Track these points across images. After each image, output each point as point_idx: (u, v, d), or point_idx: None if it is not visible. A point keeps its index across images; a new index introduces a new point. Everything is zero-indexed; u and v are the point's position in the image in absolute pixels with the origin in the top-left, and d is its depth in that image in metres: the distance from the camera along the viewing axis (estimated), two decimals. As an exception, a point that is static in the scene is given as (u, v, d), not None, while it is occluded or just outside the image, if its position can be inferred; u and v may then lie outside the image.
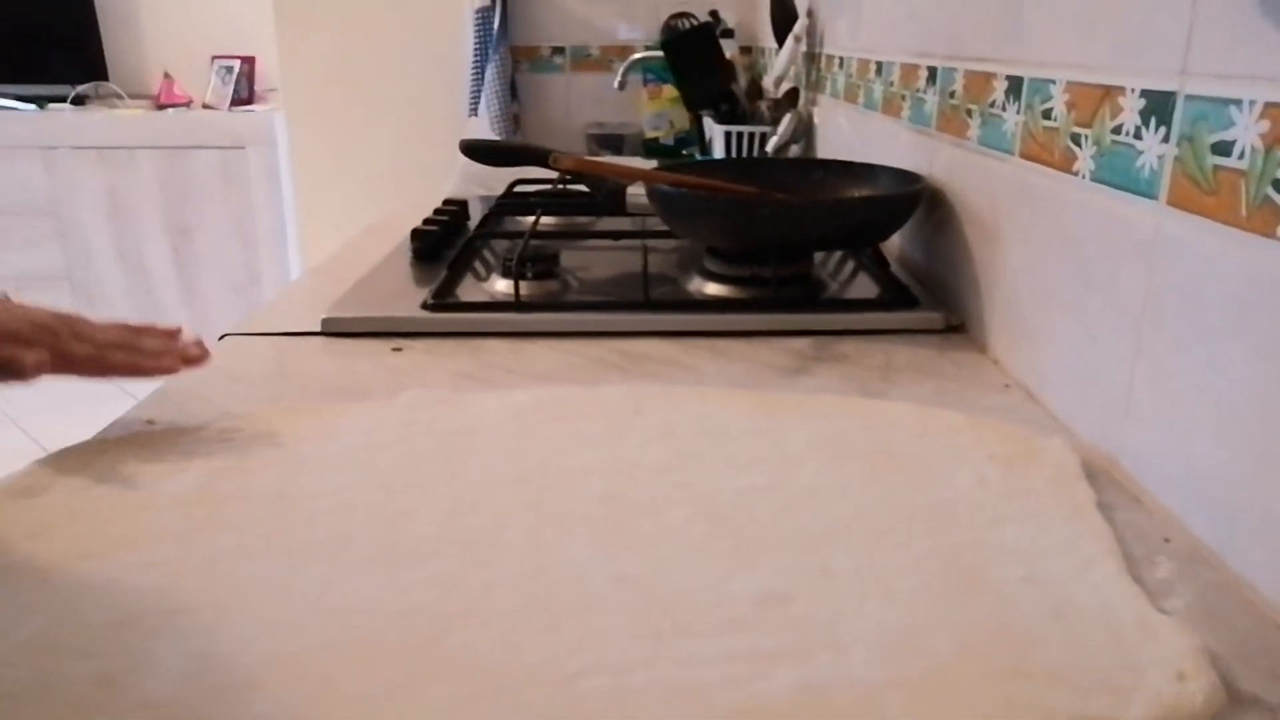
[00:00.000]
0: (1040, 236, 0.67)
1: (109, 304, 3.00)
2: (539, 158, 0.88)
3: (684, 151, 1.99)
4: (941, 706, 0.35)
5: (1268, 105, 0.43)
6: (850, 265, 0.96)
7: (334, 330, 0.81)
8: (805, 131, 1.47)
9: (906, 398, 0.66)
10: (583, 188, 1.11)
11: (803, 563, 0.45)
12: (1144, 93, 0.53)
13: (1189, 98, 0.49)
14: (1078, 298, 0.61)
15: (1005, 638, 0.40)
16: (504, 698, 0.36)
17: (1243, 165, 0.44)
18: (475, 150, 0.95)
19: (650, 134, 2.08)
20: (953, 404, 0.65)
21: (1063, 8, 0.64)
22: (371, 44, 2.52)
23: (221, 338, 0.81)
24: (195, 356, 0.65)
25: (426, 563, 0.45)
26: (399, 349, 0.77)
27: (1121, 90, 0.56)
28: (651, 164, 1.69)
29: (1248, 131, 0.44)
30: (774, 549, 0.46)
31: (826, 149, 1.40)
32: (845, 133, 1.28)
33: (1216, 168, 0.46)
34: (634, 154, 2.05)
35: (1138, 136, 0.54)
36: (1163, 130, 0.51)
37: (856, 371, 0.72)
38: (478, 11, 2.12)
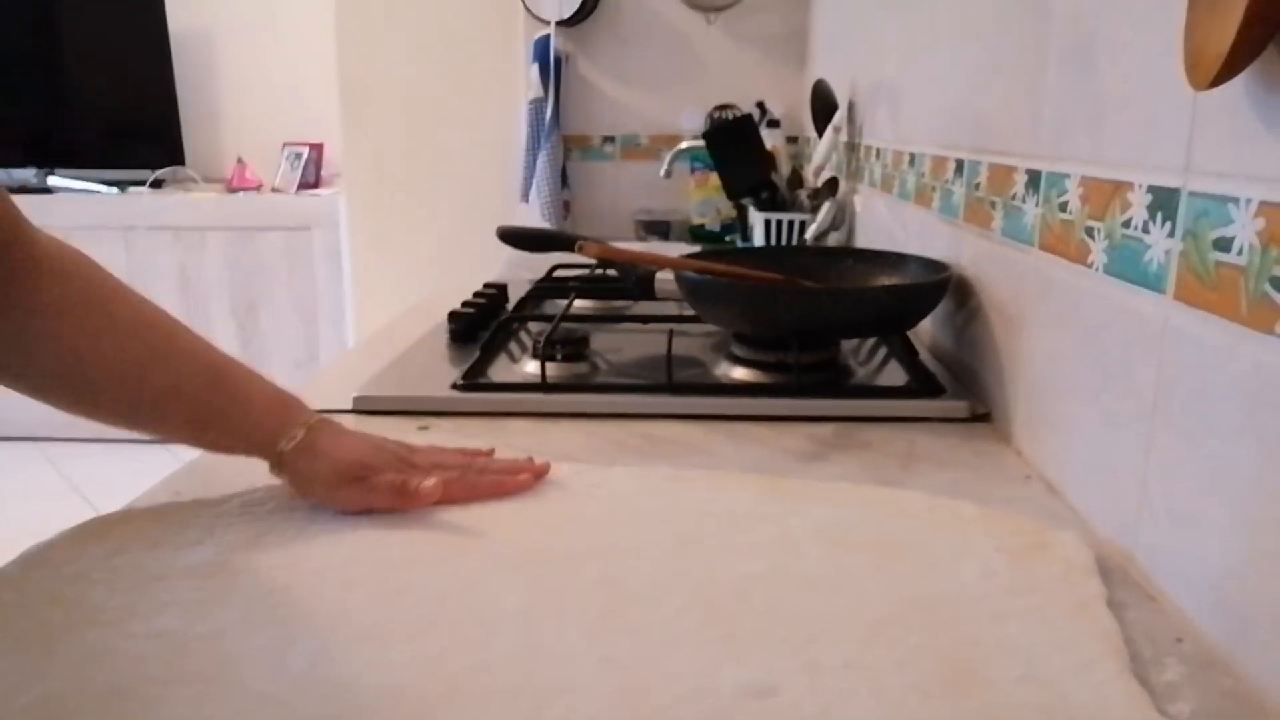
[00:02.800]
0: (1059, 327, 0.67)
1: (173, 377, 3.10)
2: (567, 244, 0.90)
3: (727, 238, 2.02)
4: (917, 808, 0.34)
5: (1263, 204, 0.43)
6: (880, 352, 0.96)
7: (365, 408, 0.83)
8: (844, 220, 1.49)
9: (924, 487, 0.65)
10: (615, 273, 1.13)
11: (794, 654, 0.45)
12: (1150, 188, 0.54)
13: (1192, 194, 0.49)
14: (1094, 390, 0.61)
15: (995, 738, 0.39)
16: (477, 780, 0.36)
17: (1241, 261, 0.44)
18: (511, 236, 0.98)
19: (696, 220, 2.12)
20: (971, 495, 0.64)
21: (1078, 105, 0.64)
22: (430, 132, 2.62)
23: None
24: (541, 469, 0.66)
25: (416, 641, 0.45)
26: (425, 428, 0.79)
27: (1130, 185, 0.56)
28: (695, 249, 1.72)
29: (1246, 229, 0.44)
30: (766, 639, 0.46)
31: (865, 237, 1.41)
32: (884, 221, 1.29)
33: (1218, 263, 0.46)
34: (680, 239, 2.09)
35: (1145, 231, 0.54)
36: (1168, 225, 0.51)
37: (876, 459, 0.72)
38: (531, 102, 2.20)
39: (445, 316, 1.07)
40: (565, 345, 0.91)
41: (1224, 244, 0.46)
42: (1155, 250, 0.53)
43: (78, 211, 3.03)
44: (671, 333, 0.87)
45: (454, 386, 0.85)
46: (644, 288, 0.96)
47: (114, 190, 3.13)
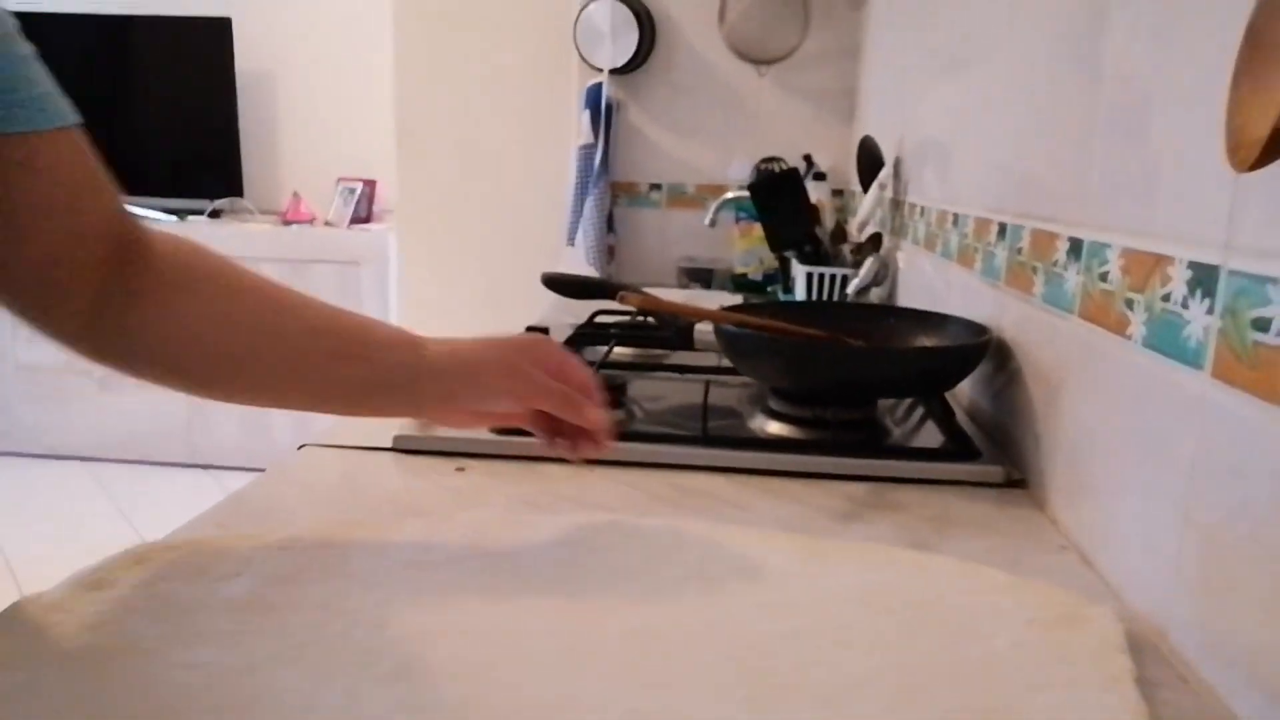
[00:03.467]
0: (1098, 396, 0.66)
1: (225, 411, 3.16)
2: (610, 293, 0.92)
3: (769, 288, 2.03)
4: None
5: (1303, 285, 0.43)
6: (916, 413, 0.96)
7: (404, 447, 0.84)
8: (887, 276, 1.49)
9: (957, 552, 0.65)
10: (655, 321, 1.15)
11: (822, 714, 0.45)
12: (1191, 264, 0.54)
13: (1231, 272, 0.49)
14: (1131, 461, 0.60)
15: (1017, 815, 0.39)
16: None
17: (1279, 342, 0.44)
18: (554, 283, 0.99)
19: (740, 270, 2.13)
20: (1004, 562, 0.63)
21: (1123, 173, 0.65)
22: (481, 173, 2.68)
23: (300, 448, 0.86)
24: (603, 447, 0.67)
25: (446, 685, 0.46)
26: (462, 469, 0.80)
27: (1170, 260, 0.56)
28: (736, 298, 1.73)
29: (1284, 309, 0.44)
30: (793, 699, 0.46)
31: (907, 294, 1.42)
32: (928, 279, 1.29)
33: (1256, 343, 0.46)
34: (723, 288, 2.10)
35: (1185, 306, 0.54)
36: (1208, 301, 0.51)
37: (910, 521, 0.72)
38: (581, 148, 2.23)
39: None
40: (603, 392, 0.91)
41: (1262, 324, 0.46)
42: (1194, 326, 0.53)
43: (138, 239, 3.12)
44: (709, 384, 0.88)
45: (493, 430, 0.86)
46: (683, 338, 0.97)
47: (173, 219, 3.23)
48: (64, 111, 0.53)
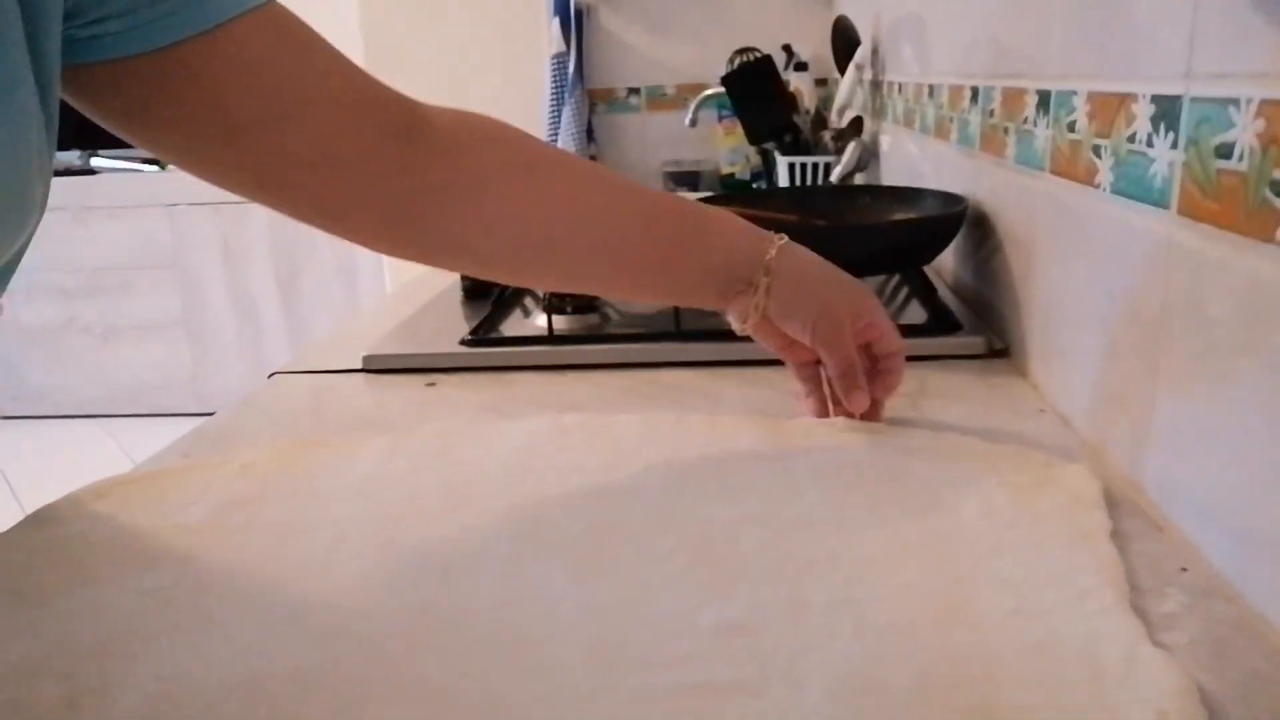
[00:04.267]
0: (1069, 254, 0.64)
1: (221, 346, 3.16)
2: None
3: (755, 185, 1.99)
4: (884, 744, 0.33)
5: (1263, 103, 0.40)
6: (900, 292, 0.93)
7: (374, 367, 0.83)
8: (870, 160, 1.45)
9: (933, 423, 0.64)
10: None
11: (779, 594, 0.44)
12: (1154, 98, 0.51)
13: (1194, 100, 0.46)
14: (1103, 316, 0.58)
15: (978, 674, 0.38)
16: (442, 725, 0.36)
17: (1242, 167, 0.42)
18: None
19: (726, 169, 2.09)
20: (981, 430, 0.62)
21: (1083, 20, 0.61)
22: (455, 92, 2.61)
23: (271, 376, 0.84)
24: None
25: (402, 592, 0.45)
26: (433, 384, 0.79)
27: (1134, 97, 0.53)
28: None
29: (1246, 131, 0.41)
30: (753, 580, 0.45)
31: (890, 176, 1.38)
32: (910, 158, 1.25)
33: (1219, 171, 0.44)
34: (710, 189, 2.06)
35: (1150, 144, 0.51)
36: (1171, 136, 0.49)
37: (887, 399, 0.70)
38: (554, 57, 2.17)
39: (459, 275, 1.06)
40: (575, 297, 0.90)
41: (1225, 150, 0.43)
42: (1159, 164, 0.50)
43: (121, 191, 3.09)
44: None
45: (462, 342, 0.85)
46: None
47: (154, 168, 3.18)
48: None
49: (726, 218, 0.62)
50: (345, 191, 0.54)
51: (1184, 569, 0.45)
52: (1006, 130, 0.78)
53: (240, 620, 0.44)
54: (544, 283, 0.60)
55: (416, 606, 0.44)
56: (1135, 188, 0.53)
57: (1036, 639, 0.39)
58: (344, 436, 0.67)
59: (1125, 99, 0.54)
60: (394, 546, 0.50)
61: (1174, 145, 0.48)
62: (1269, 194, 0.40)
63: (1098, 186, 0.58)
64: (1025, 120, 0.72)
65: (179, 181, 3.12)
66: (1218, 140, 0.44)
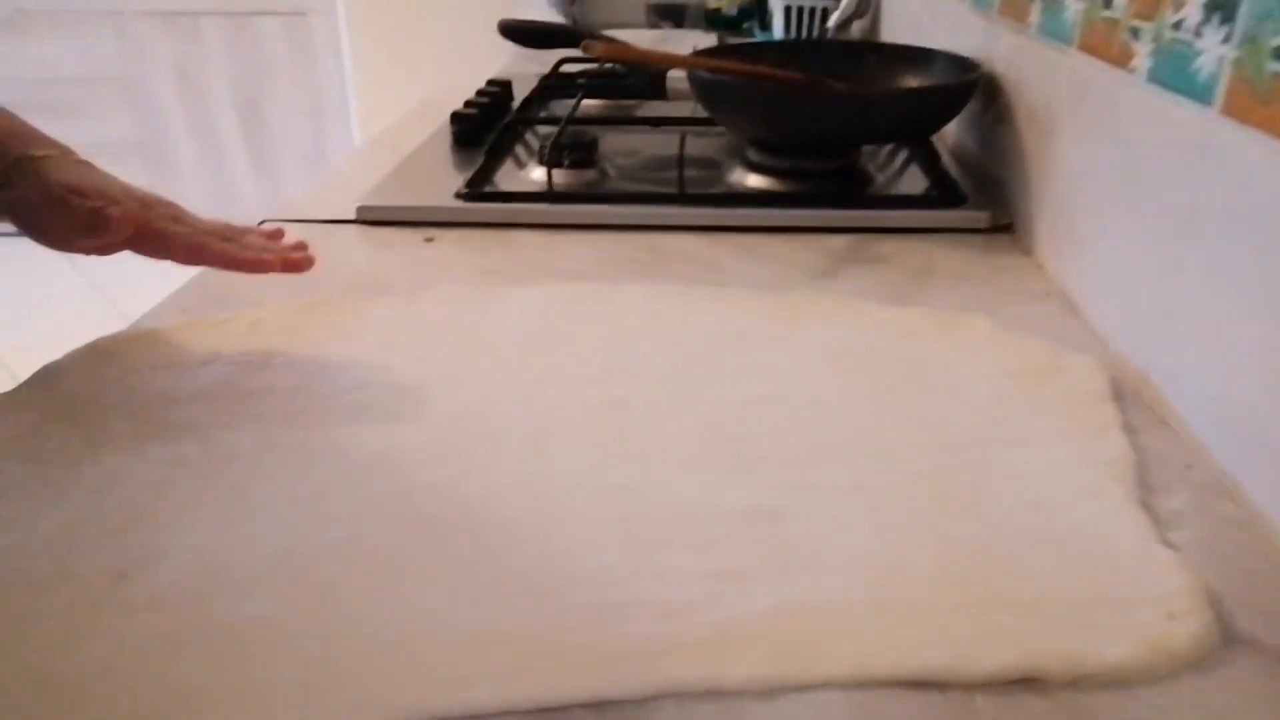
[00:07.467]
0: (1093, 136, 0.63)
1: (181, 176, 3.05)
2: (573, 40, 0.85)
3: (744, 25, 1.91)
4: (915, 636, 0.35)
5: (1335, 7, 0.39)
6: (900, 157, 0.92)
7: (369, 219, 0.81)
8: (869, 7, 1.39)
9: (938, 303, 0.64)
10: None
11: (799, 478, 0.45)
12: (1210, -16, 0.49)
13: (1255, -7, 0.45)
14: (1125, 205, 0.58)
15: (993, 565, 0.39)
16: (486, 605, 0.37)
17: (1302, 74, 0.41)
18: (513, 31, 0.92)
19: (712, 5, 1.99)
20: (986, 310, 0.62)
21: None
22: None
23: (261, 224, 0.82)
24: (298, 261, 0.60)
25: (426, 469, 0.46)
26: (430, 239, 0.77)
27: (1186, -20, 0.51)
28: (712, 39, 1.62)
29: (1311, 36, 0.40)
30: (772, 463, 0.46)
31: (890, 27, 1.33)
32: (912, 9, 1.21)
33: (1274, 74, 0.43)
34: (695, 26, 1.97)
35: (1198, 35, 0.49)
36: (1225, 29, 0.47)
37: (891, 274, 0.70)
38: None
39: (449, 118, 1.02)
40: (573, 150, 0.87)
41: (1284, 53, 0.42)
42: (1207, 57, 0.49)
43: (63, -1, 2.88)
44: (684, 135, 0.83)
45: (458, 195, 0.82)
46: (655, 87, 0.91)
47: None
48: None
49: None
50: None
51: (1188, 466, 0.47)
52: (1033, -4, 0.75)
53: (270, 496, 0.44)
54: None
55: (442, 486, 0.45)
56: (1175, 78, 0.52)
57: (1050, 533, 0.41)
58: (348, 298, 0.66)
59: (1175, -19, 0.52)
60: (413, 421, 0.50)
61: (1226, 39, 0.47)
62: (1328, 105, 0.39)
63: (1132, 71, 0.57)
64: (1056, -12, 0.69)
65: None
66: (1278, 41, 0.43)
